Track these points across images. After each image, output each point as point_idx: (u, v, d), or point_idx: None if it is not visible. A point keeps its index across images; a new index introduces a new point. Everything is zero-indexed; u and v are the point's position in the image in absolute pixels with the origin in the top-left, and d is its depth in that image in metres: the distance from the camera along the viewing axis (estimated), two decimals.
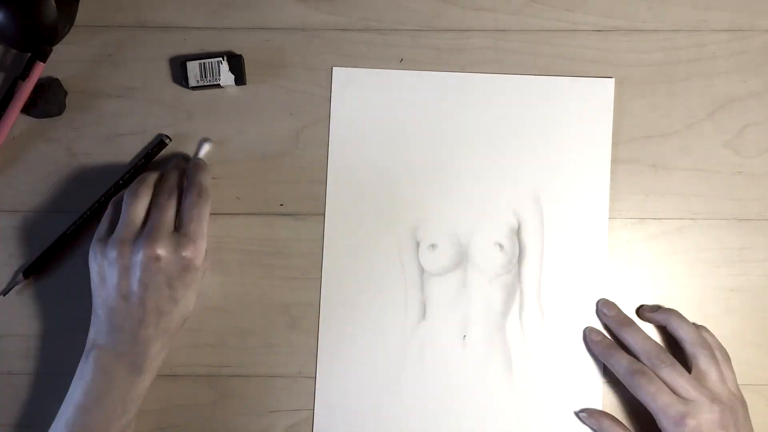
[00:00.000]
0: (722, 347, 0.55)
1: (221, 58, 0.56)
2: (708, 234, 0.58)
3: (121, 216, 0.51)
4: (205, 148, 0.57)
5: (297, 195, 0.58)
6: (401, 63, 0.58)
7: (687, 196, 0.58)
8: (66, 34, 0.57)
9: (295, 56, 0.58)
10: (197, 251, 0.51)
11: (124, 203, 0.52)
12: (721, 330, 0.57)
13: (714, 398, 0.51)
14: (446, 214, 0.57)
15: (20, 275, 0.56)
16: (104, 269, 0.51)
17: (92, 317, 0.52)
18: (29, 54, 0.56)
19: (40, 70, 0.56)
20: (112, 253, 0.50)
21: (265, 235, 0.58)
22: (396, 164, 0.58)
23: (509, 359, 0.57)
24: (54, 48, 0.57)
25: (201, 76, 0.56)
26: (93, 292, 0.52)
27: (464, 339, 0.57)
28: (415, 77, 0.58)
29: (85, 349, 0.52)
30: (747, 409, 0.53)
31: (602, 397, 0.56)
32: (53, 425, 0.51)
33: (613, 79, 0.58)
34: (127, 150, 0.58)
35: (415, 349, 0.57)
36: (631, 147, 0.58)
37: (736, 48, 0.58)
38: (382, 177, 0.58)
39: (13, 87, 0.56)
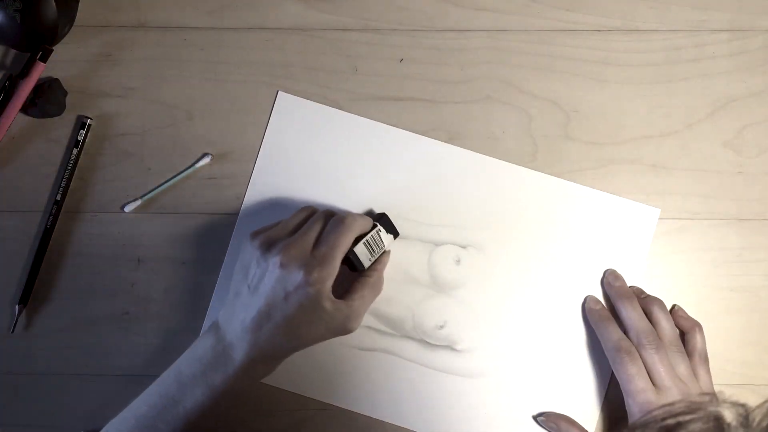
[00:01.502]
0: (704, 349, 0.55)
1: (377, 227, 0.54)
2: (708, 234, 0.58)
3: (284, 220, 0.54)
4: (205, 160, 0.57)
5: None
6: (401, 63, 0.58)
7: (687, 196, 0.58)
8: (66, 34, 0.57)
9: (295, 56, 0.58)
10: (320, 276, 0.49)
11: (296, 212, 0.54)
12: (721, 330, 0.57)
13: (686, 393, 0.51)
14: None
15: (17, 307, 0.56)
16: (246, 255, 0.52)
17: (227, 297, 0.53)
18: (29, 54, 0.56)
19: (40, 70, 0.56)
20: (256, 243, 0.51)
21: None
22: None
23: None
24: (54, 48, 0.57)
25: (371, 253, 0.54)
26: (234, 274, 0.53)
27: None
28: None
29: (211, 323, 0.53)
30: None
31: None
32: (153, 384, 0.52)
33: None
34: (128, 150, 0.58)
35: None
36: (631, 147, 0.58)
37: (736, 48, 0.58)
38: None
39: (12, 86, 0.56)
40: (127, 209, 0.57)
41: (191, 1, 0.58)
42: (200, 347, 0.51)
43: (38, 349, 0.57)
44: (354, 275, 0.54)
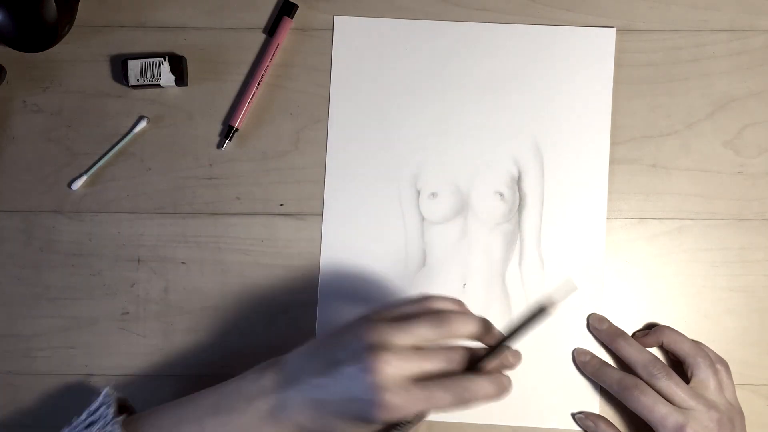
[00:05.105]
0: (722, 359, 0.55)
1: (162, 59, 0.56)
2: (708, 234, 0.58)
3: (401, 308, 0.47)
4: (141, 125, 0.57)
5: (297, 195, 0.58)
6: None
7: (687, 196, 0.58)
8: (66, 34, 0.57)
9: (295, 56, 0.58)
10: (389, 403, 0.42)
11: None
12: (721, 330, 0.57)
13: (711, 406, 0.51)
14: (447, 163, 0.58)
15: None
16: (353, 326, 0.45)
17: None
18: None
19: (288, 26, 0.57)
20: (367, 328, 0.44)
21: (265, 235, 0.58)
22: (396, 113, 0.58)
23: (509, 307, 0.57)
24: (54, 48, 0.57)
25: (141, 75, 0.56)
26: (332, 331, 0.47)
27: (464, 287, 0.57)
28: (416, 26, 0.58)
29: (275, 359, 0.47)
30: (744, 421, 0.53)
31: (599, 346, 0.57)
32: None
33: (614, 29, 0.58)
34: (127, 150, 0.58)
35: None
36: (631, 147, 0.58)
37: (736, 48, 0.58)
38: (382, 126, 0.58)
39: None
40: (74, 187, 0.57)
41: (191, 1, 0.58)
42: (254, 373, 0.47)
43: (38, 349, 0.57)
44: None
